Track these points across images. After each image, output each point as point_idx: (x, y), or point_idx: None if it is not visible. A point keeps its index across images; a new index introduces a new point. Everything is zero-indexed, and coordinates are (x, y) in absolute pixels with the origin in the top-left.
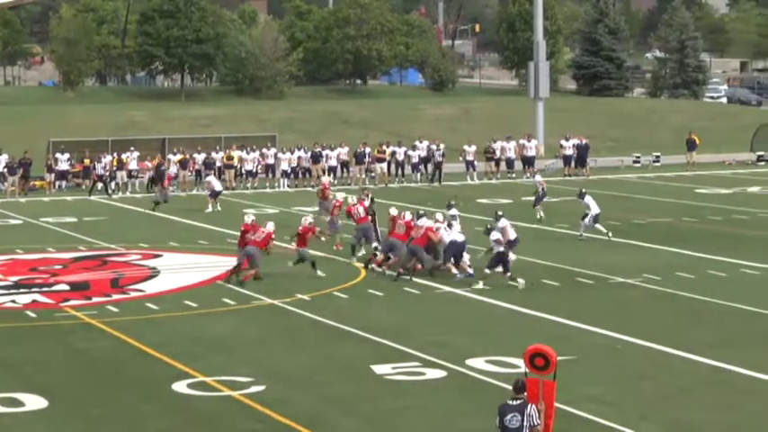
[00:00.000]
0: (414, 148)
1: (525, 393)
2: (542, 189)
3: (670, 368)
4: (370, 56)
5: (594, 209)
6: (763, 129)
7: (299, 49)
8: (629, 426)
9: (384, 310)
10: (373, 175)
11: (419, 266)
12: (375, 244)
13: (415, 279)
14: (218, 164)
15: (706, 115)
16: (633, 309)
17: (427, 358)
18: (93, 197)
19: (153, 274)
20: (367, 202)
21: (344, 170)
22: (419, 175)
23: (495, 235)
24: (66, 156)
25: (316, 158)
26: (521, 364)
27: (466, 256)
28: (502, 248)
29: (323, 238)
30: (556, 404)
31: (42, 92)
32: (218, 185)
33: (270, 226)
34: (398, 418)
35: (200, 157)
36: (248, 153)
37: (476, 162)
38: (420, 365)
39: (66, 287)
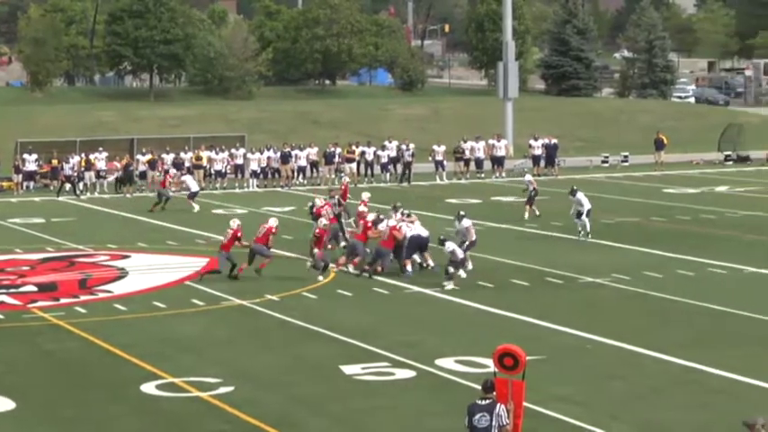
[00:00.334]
0: (383, 148)
1: (494, 393)
2: (533, 188)
3: (640, 368)
4: (340, 52)
5: (587, 205)
6: (730, 128)
7: (268, 50)
8: (598, 425)
9: (353, 310)
10: (342, 175)
11: (379, 269)
12: (343, 243)
13: (384, 279)
14: (186, 164)
15: (674, 115)
16: (602, 308)
17: (396, 358)
18: (61, 198)
19: (121, 274)
20: (334, 203)
21: (314, 170)
22: (388, 175)
23: (449, 245)
24: (34, 156)
25: (285, 159)
26: (490, 364)
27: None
28: (461, 255)
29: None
30: (525, 404)
31: (10, 92)
32: (194, 186)
33: (272, 222)
34: (368, 419)
35: (168, 158)
36: (217, 153)
37: (445, 162)
38: (389, 365)
39: (34, 288)
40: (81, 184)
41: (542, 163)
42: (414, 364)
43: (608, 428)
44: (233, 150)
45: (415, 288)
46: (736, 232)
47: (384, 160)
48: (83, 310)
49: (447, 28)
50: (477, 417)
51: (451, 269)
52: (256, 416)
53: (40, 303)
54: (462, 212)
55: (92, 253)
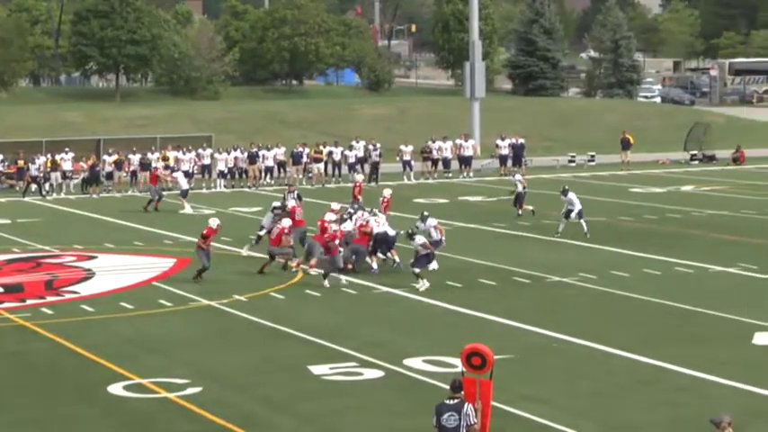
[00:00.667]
0: (350, 148)
1: (462, 392)
2: (523, 188)
3: (607, 367)
4: (307, 52)
5: (578, 205)
6: (697, 128)
7: (234, 50)
8: (565, 424)
9: (321, 310)
10: (310, 175)
11: (350, 266)
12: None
13: (352, 279)
14: (153, 164)
15: (640, 115)
16: (570, 308)
17: (365, 358)
18: (27, 198)
19: (88, 275)
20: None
21: (281, 170)
22: (356, 174)
23: (419, 239)
24: (0, 157)
25: (252, 159)
26: (458, 364)
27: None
28: (427, 251)
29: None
30: (493, 403)
31: None
32: (184, 183)
33: (285, 222)
34: (336, 419)
35: (135, 158)
36: (184, 153)
37: (412, 162)
38: (357, 365)
39: (0, 289)
40: (47, 185)
41: (509, 163)
42: (382, 363)
43: (575, 427)
44: (200, 151)
45: (384, 288)
46: (702, 231)
47: (352, 160)
48: (49, 312)
49: (414, 28)
50: (445, 416)
51: (417, 270)
52: (224, 416)
53: (6, 305)
54: (426, 213)
55: (58, 254)
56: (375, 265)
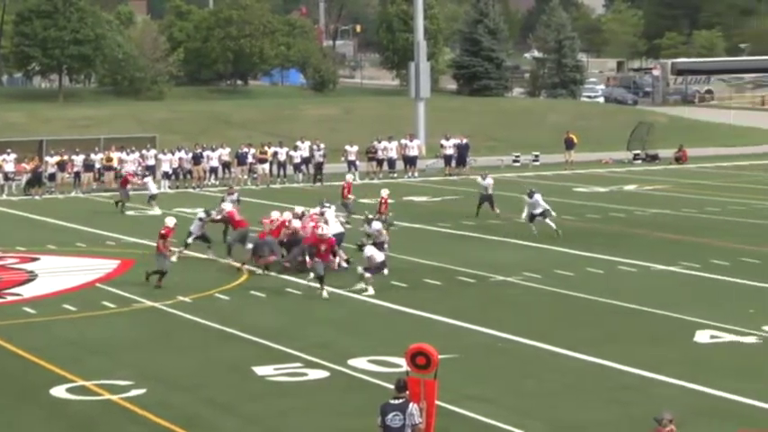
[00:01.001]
0: (295, 148)
1: (407, 392)
2: (489, 191)
3: (551, 365)
4: (252, 53)
5: (542, 207)
6: (640, 127)
7: (179, 50)
8: (511, 423)
9: (266, 311)
10: (255, 176)
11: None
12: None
13: (297, 280)
14: (97, 165)
15: (584, 115)
16: (514, 307)
17: (309, 359)
18: None
19: (30, 277)
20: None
21: (226, 171)
22: (301, 175)
23: (368, 251)
24: None
25: (197, 159)
26: (402, 364)
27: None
28: (380, 259)
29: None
30: (437, 402)
31: None
32: (153, 188)
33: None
34: (281, 419)
35: (78, 159)
36: (128, 154)
37: (357, 162)
38: (302, 366)
39: None
40: None
41: (454, 163)
42: (327, 364)
43: (520, 426)
44: (144, 151)
45: (328, 288)
46: (645, 230)
47: (297, 161)
48: None
49: (359, 28)
50: (390, 416)
51: (368, 274)
52: (168, 418)
53: None
54: (371, 216)
55: (0, 256)
56: (337, 264)
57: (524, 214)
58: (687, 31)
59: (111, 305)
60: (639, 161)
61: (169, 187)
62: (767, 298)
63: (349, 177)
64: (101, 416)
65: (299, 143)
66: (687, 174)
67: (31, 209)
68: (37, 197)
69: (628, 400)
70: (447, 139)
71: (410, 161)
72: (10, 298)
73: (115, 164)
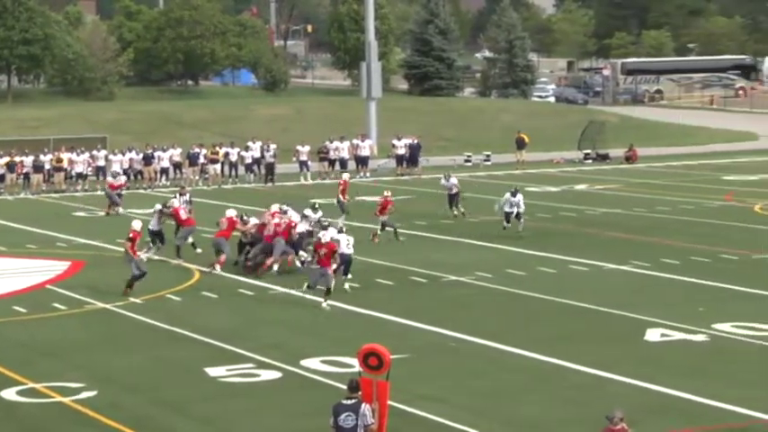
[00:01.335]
0: (247, 148)
1: (359, 393)
2: (455, 190)
3: (503, 365)
4: (203, 54)
5: (521, 207)
6: (591, 126)
7: (129, 50)
8: (463, 423)
9: (218, 312)
10: (207, 176)
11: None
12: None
13: (249, 281)
14: (47, 166)
15: (535, 114)
16: (466, 307)
17: (262, 359)
18: None
19: None
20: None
21: (177, 171)
22: (252, 175)
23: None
24: None
25: (147, 160)
26: (355, 364)
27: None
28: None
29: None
30: (390, 403)
31: None
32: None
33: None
34: (233, 420)
35: (28, 160)
36: (78, 155)
37: (309, 162)
38: (255, 367)
39: None
40: None
41: (405, 163)
42: (279, 365)
43: (474, 426)
44: (94, 152)
45: (281, 289)
46: (596, 230)
47: (248, 161)
48: None
49: (310, 28)
50: (342, 416)
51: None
52: (120, 420)
53: None
54: (326, 222)
55: None
56: (299, 262)
57: (497, 207)
58: (636, 32)
59: (62, 307)
60: (590, 161)
61: None
62: (717, 296)
63: (345, 176)
64: (52, 419)
65: (250, 143)
66: (637, 173)
67: None
68: None
69: (581, 398)
70: (399, 139)
71: (362, 161)
72: None
73: (65, 165)
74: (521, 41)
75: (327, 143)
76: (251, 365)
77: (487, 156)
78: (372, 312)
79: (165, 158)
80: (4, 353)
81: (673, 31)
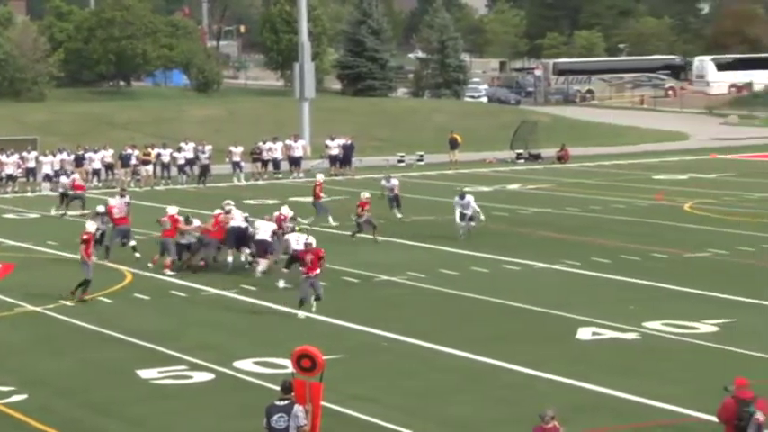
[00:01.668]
0: (179, 149)
1: (293, 394)
2: (393, 193)
3: (437, 365)
4: (134, 55)
5: (473, 209)
6: (524, 126)
7: (59, 51)
8: (396, 423)
9: (150, 313)
10: (139, 177)
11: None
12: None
13: (182, 282)
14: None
15: (467, 115)
16: (398, 306)
17: (194, 361)
18: None
19: None
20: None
21: (109, 173)
22: (185, 177)
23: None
24: None
25: (79, 161)
26: (288, 365)
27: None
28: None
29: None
30: (323, 403)
31: None
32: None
33: (285, 210)
34: (165, 422)
35: None
36: (8, 156)
37: (242, 163)
38: (187, 369)
39: None
40: None
41: (339, 163)
42: (212, 366)
43: (407, 426)
44: (24, 153)
45: (213, 290)
46: (528, 229)
47: (181, 162)
48: None
49: (242, 29)
50: (275, 418)
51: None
52: (51, 423)
53: None
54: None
55: None
56: (230, 259)
57: (457, 215)
58: (568, 32)
59: None
60: (522, 161)
61: (50, 190)
62: (648, 295)
63: (320, 177)
64: None
65: (182, 144)
66: (569, 173)
67: None
68: None
69: (513, 397)
70: (332, 139)
71: (295, 162)
72: None
73: None
74: (453, 42)
75: (260, 144)
76: (183, 367)
77: (420, 156)
78: (305, 313)
79: (96, 160)
80: None
81: (604, 32)
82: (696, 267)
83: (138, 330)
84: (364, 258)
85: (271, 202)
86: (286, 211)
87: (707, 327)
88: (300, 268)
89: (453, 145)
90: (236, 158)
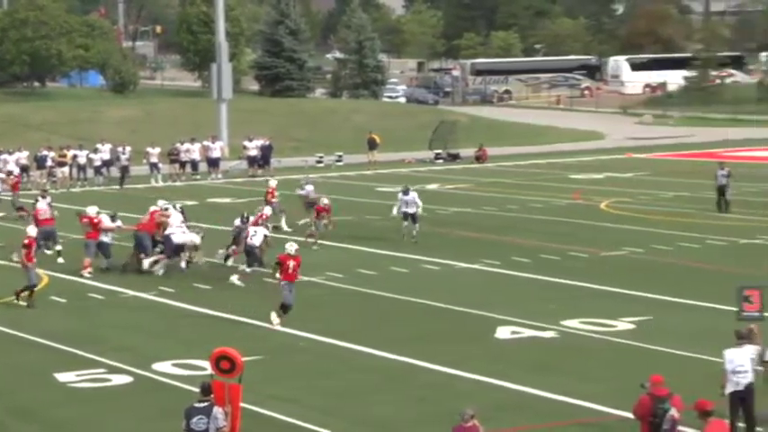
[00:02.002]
0: (96, 151)
1: (212, 396)
2: (311, 195)
3: (356, 365)
4: (49, 56)
5: (417, 206)
6: (442, 126)
7: None
8: (314, 423)
9: (66, 316)
10: (55, 179)
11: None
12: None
13: (100, 284)
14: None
15: (386, 115)
16: (317, 307)
17: (113, 364)
18: None
19: None
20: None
21: (24, 174)
22: (102, 178)
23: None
24: None
25: None
26: (207, 367)
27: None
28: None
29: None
30: (242, 405)
31: None
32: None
33: (267, 210)
34: (84, 425)
35: None
36: None
37: (160, 164)
38: (105, 372)
39: None
40: None
41: (257, 164)
42: (130, 369)
43: (324, 425)
44: None
45: (131, 292)
46: (447, 229)
47: (97, 163)
48: None
49: (159, 29)
50: (194, 420)
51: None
52: None
53: None
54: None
55: None
56: (183, 264)
57: (395, 210)
58: (485, 32)
59: None
60: (441, 160)
61: None
62: (566, 294)
63: (272, 183)
64: None
65: (99, 145)
66: (487, 173)
67: None
68: None
69: (432, 397)
70: (250, 140)
71: (213, 163)
72: None
73: None
74: (371, 42)
75: (178, 145)
76: (102, 370)
77: (339, 156)
78: (223, 314)
79: (11, 161)
80: None
81: (520, 32)
82: (613, 266)
83: (55, 333)
84: None
85: (189, 203)
86: (268, 211)
87: (624, 324)
88: (277, 275)
89: (372, 145)
90: (154, 159)
